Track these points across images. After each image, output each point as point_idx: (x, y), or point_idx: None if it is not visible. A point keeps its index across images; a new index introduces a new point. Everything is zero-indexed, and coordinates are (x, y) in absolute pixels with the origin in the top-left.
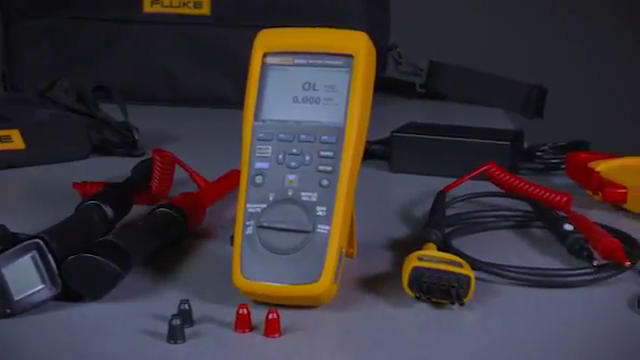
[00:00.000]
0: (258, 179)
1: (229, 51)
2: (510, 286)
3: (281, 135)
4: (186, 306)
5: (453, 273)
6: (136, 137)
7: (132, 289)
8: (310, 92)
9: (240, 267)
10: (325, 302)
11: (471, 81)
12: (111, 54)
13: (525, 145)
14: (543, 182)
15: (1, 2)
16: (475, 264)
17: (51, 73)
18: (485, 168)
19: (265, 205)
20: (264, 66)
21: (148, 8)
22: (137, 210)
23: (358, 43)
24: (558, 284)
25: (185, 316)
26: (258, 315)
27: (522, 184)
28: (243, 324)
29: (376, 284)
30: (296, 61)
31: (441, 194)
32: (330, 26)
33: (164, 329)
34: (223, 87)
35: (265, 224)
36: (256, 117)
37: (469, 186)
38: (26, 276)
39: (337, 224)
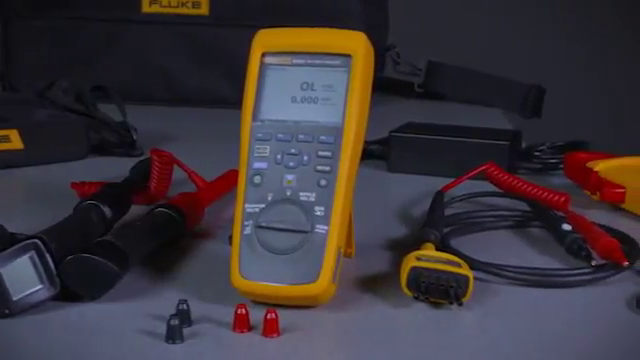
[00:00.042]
0: (256, 179)
1: (227, 51)
2: (508, 286)
3: (279, 135)
4: (184, 306)
5: (451, 273)
6: (134, 137)
7: (130, 289)
8: (308, 92)
9: (238, 267)
10: (323, 302)
11: (469, 81)
12: (109, 54)
13: (523, 145)
14: (541, 182)
15: (0, 2)
16: (473, 264)
17: (49, 73)
18: (483, 168)
19: (263, 205)
20: (262, 66)
21: (146, 8)
22: (135, 210)
23: (356, 43)
24: (556, 284)
25: (183, 316)
26: (256, 315)
27: (520, 184)
28: (241, 324)
29: (374, 284)
30: (294, 61)
31: (439, 194)
32: (328, 26)
33: (162, 329)
34: (221, 87)
35: (263, 224)
36: (254, 117)
37: (467, 186)
38: (24, 276)
39: (335, 224)
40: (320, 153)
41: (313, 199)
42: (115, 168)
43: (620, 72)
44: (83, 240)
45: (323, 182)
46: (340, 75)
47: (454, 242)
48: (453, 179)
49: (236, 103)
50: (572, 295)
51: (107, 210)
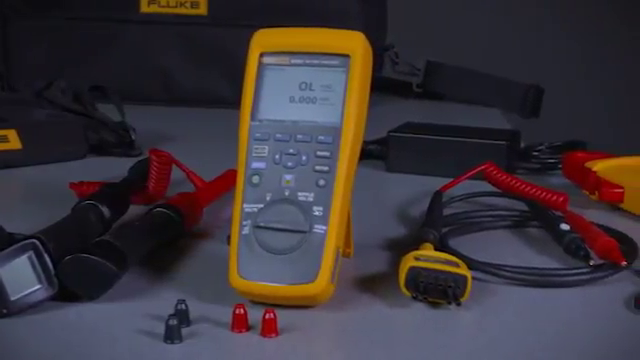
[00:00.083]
0: (255, 179)
1: (226, 51)
2: (507, 286)
3: (278, 135)
4: (183, 306)
5: (450, 273)
6: (133, 137)
7: (129, 289)
8: (307, 92)
9: (237, 267)
10: (322, 302)
11: (468, 81)
12: (108, 54)
13: (522, 145)
14: (540, 182)
15: None
16: (472, 264)
17: (48, 73)
18: (482, 168)
19: (262, 205)
20: (261, 66)
21: (145, 8)
22: (134, 210)
23: (355, 43)
24: (555, 284)
25: (182, 316)
26: (255, 315)
27: (519, 184)
28: (240, 324)
29: (373, 284)
30: (293, 61)
31: (438, 194)
32: (327, 26)
33: (161, 329)
34: (220, 87)
35: (262, 224)
36: (253, 117)
37: (466, 186)
38: (23, 276)
39: (334, 224)
40: (318, 153)
41: (311, 199)
42: (113, 168)
43: (618, 72)
44: (81, 240)
45: (322, 182)
46: (338, 75)
47: (452, 242)
48: (452, 179)
49: (235, 103)
50: (570, 295)
51: (105, 210)
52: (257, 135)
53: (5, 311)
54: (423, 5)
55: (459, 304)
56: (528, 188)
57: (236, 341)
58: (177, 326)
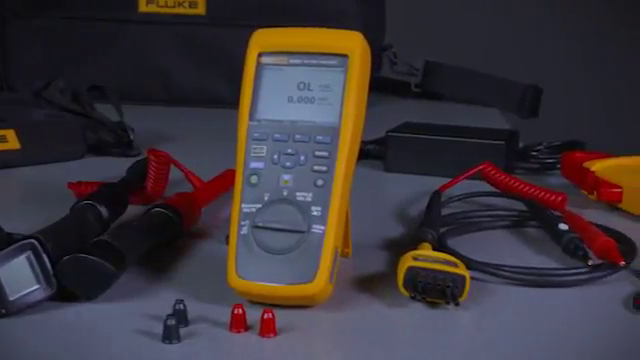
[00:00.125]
0: (253, 179)
1: (224, 51)
2: (505, 286)
3: (276, 135)
4: (181, 306)
5: (448, 273)
6: (131, 137)
7: (127, 289)
8: (305, 92)
9: (235, 267)
10: (320, 302)
11: (466, 81)
12: (106, 54)
13: (520, 145)
14: (538, 182)
15: None
16: (470, 264)
17: (46, 73)
18: (480, 168)
19: (260, 205)
20: (259, 66)
21: (143, 8)
22: (132, 210)
23: (353, 43)
24: (553, 284)
25: (180, 316)
26: (253, 315)
27: (517, 184)
28: (238, 324)
29: (371, 284)
30: (291, 61)
31: (436, 194)
32: (325, 26)
33: (159, 329)
34: (218, 87)
35: (260, 224)
36: (251, 117)
37: (464, 186)
38: (21, 276)
39: (332, 224)
40: (317, 153)
41: (310, 199)
42: (112, 168)
43: (617, 72)
44: (80, 240)
45: (320, 182)
46: (337, 75)
47: (451, 242)
48: (450, 179)
49: (233, 103)
50: (569, 295)
51: (104, 210)
52: (255, 135)
53: (3, 311)
54: (422, 5)
55: (457, 304)
56: (526, 188)
57: (234, 341)
58: (175, 326)
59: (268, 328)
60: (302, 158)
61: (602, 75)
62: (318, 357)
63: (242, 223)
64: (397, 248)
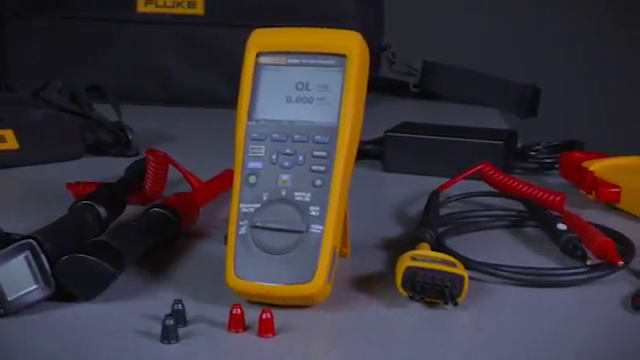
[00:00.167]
0: (252, 179)
1: (223, 51)
2: (503, 285)
3: (274, 135)
4: (179, 306)
5: (446, 273)
6: (130, 137)
7: (125, 289)
8: (303, 92)
9: (234, 267)
10: (319, 302)
11: (465, 81)
12: (105, 54)
13: (519, 145)
14: (537, 182)
15: None
16: (469, 264)
17: (45, 73)
18: (479, 168)
19: (259, 205)
20: (257, 66)
21: (142, 8)
22: (131, 210)
23: (351, 43)
24: (552, 283)
25: (178, 316)
26: (252, 315)
27: (516, 184)
28: (237, 324)
29: (370, 284)
30: (289, 61)
31: (435, 194)
32: (324, 26)
33: (157, 329)
34: (217, 87)
35: (259, 224)
36: (249, 117)
37: (463, 186)
38: (19, 276)
39: (330, 224)
40: (315, 153)
41: (308, 199)
42: (110, 168)
43: (616, 72)
44: (78, 240)
45: (318, 182)
46: (335, 75)
47: (449, 242)
48: (448, 179)
49: (232, 103)
50: (567, 294)
51: (102, 210)
52: (254, 135)
53: (2, 311)
54: (420, 5)
55: (456, 304)
56: (525, 188)
57: (233, 341)
58: (174, 326)
59: (266, 328)
60: (300, 158)
61: (601, 75)
62: (316, 357)
63: (240, 223)
64: (395, 248)
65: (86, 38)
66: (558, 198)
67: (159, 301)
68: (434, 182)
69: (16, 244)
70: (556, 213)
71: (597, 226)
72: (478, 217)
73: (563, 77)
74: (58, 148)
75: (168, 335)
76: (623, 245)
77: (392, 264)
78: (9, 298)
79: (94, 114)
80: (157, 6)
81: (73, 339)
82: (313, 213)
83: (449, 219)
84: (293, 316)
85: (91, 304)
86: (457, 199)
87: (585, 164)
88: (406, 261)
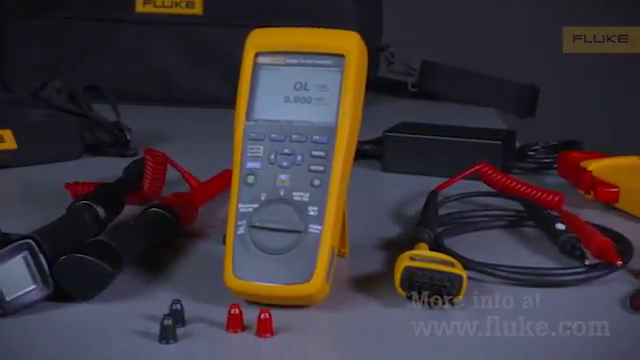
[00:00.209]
0: (250, 179)
1: (221, 51)
2: (502, 285)
3: (273, 135)
4: (178, 306)
5: (445, 273)
6: (128, 137)
7: (124, 289)
8: (302, 92)
9: (232, 267)
10: (317, 302)
11: (463, 81)
12: (103, 54)
13: (517, 144)
14: (535, 181)
15: None
16: (467, 264)
17: (44, 73)
18: (477, 168)
19: (257, 205)
20: (256, 66)
21: (140, 8)
22: (129, 210)
23: (350, 43)
24: (550, 283)
25: (177, 316)
26: (250, 315)
27: (514, 183)
28: (235, 324)
29: (368, 284)
30: (288, 61)
31: (433, 194)
32: (322, 26)
33: (156, 329)
34: (215, 87)
35: (257, 224)
36: (248, 117)
37: (461, 186)
38: (18, 276)
39: (329, 224)
40: (314, 153)
41: (307, 199)
42: (109, 168)
43: (614, 72)
44: (76, 240)
45: (317, 182)
46: (333, 75)
47: (448, 242)
48: (447, 179)
49: (230, 103)
50: (566, 294)
51: (100, 210)
52: (252, 135)
53: (0, 312)
54: (419, 5)
55: (454, 304)
56: (523, 188)
57: (231, 341)
58: (172, 326)
59: (265, 328)
60: (299, 158)
61: (599, 75)
62: (315, 357)
63: (239, 223)
64: (394, 248)
65: (84, 38)
66: (557, 198)
67: (157, 301)
68: (432, 182)
69: (14, 244)
70: (555, 213)
71: (595, 226)
72: (477, 217)
73: (561, 77)
74: (57, 148)
75: (166, 335)
76: (622, 245)
77: (391, 264)
78: (7, 298)
79: (93, 114)
80: (155, 6)
81: (71, 339)
82: (311, 213)
83: (448, 219)
84: (291, 316)
85: (89, 304)
86: (456, 199)
87: (583, 164)
88: (404, 261)
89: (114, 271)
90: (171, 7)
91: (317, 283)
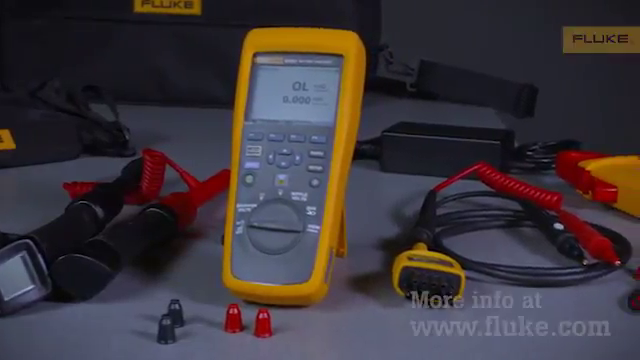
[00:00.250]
0: (248, 179)
1: (220, 51)
2: (500, 285)
3: (271, 135)
4: (176, 306)
5: (443, 272)
6: (127, 137)
7: (122, 289)
8: (300, 92)
9: (230, 267)
10: (315, 302)
11: (462, 81)
12: (102, 54)
13: (516, 144)
14: (534, 181)
15: None
16: (465, 263)
17: (42, 73)
18: (476, 167)
19: (255, 205)
20: (254, 66)
21: (139, 8)
22: (127, 210)
23: (348, 43)
24: (548, 283)
25: (175, 316)
26: (249, 315)
27: (512, 183)
28: (233, 324)
29: (366, 283)
30: (286, 61)
31: (432, 193)
32: (320, 26)
33: (154, 329)
34: (214, 87)
35: (255, 224)
36: (246, 117)
37: (460, 186)
38: (16, 276)
39: (327, 224)
40: (312, 153)
41: (305, 199)
42: (107, 168)
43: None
44: (75, 240)
45: (315, 182)
46: (332, 75)
47: (446, 242)
48: (445, 179)
49: (229, 103)
50: (564, 294)
51: (99, 210)
52: (251, 135)
53: None
54: (417, 5)
55: (453, 304)
56: (522, 188)
57: (230, 341)
58: (171, 326)
59: (263, 328)
60: (297, 158)
61: (598, 75)
62: (313, 357)
63: (237, 223)
64: (392, 248)
65: (83, 38)
66: (555, 198)
67: (156, 301)
68: (431, 182)
69: (13, 244)
70: (553, 213)
71: (594, 226)
72: (475, 217)
73: (560, 77)
74: (55, 148)
75: (165, 335)
76: (620, 245)
77: (389, 264)
78: (6, 298)
79: (91, 114)
80: (154, 6)
81: (70, 339)
82: (310, 213)
83: (446, 219)
84: (290, 316)
85: (88, 304)
86: (454, 199)
87: (582, 164)
88: (403, 261)
89: (112, 271)
90: (169, 7)
91: (315, 283)
